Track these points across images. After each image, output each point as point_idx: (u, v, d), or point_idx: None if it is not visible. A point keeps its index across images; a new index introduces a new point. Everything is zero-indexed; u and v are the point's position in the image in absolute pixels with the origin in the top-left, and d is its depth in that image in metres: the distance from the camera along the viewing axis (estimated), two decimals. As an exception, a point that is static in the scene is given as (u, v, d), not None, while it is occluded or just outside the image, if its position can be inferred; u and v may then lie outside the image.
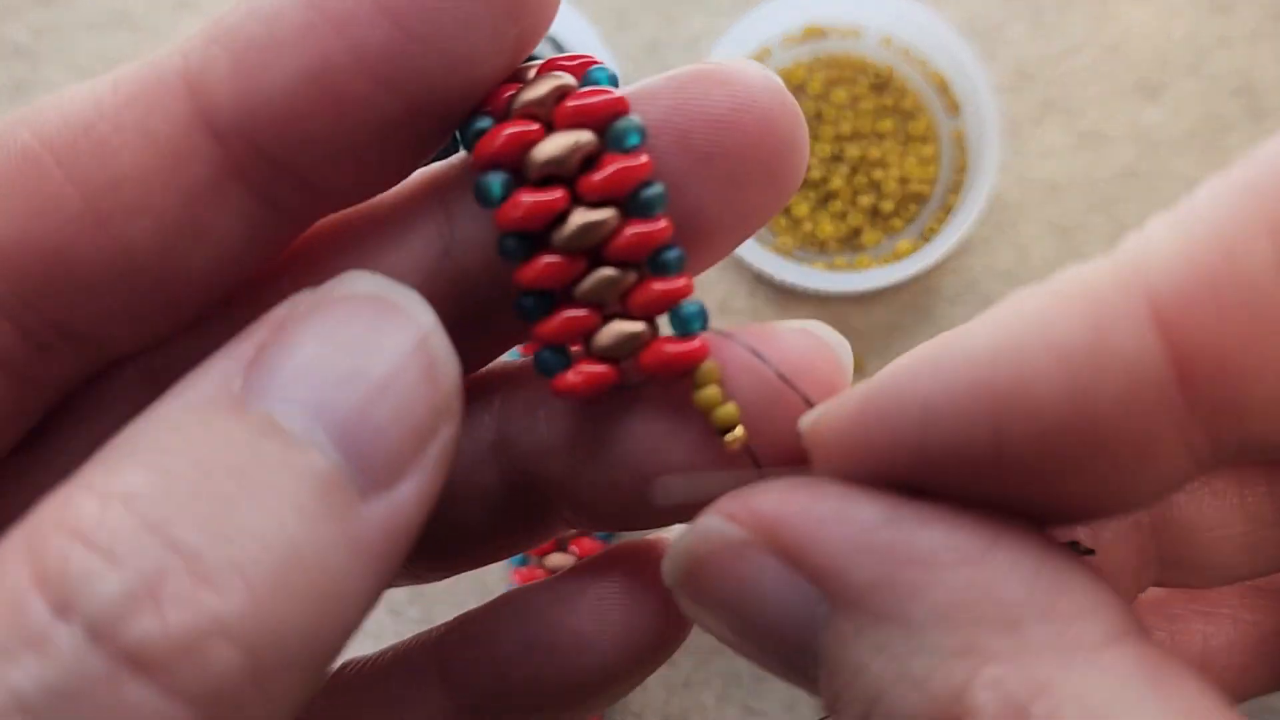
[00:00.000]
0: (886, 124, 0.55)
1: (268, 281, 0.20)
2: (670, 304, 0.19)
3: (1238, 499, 0.23)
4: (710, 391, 0.19)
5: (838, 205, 0.55)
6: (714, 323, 0.19)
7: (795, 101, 0.19)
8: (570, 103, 0.18)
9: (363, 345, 0.16)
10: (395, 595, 0.51)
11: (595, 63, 0.19)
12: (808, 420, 0.18)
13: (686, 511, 0.19)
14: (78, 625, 0.13)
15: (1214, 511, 0.23)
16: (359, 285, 0.17)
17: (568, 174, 0.18)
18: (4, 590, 0.13)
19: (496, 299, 0.20)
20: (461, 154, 0.20)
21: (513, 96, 0.18)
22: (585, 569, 0.23)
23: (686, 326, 0.19)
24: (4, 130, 0.17)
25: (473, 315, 0.20)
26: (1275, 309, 0.14)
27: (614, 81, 0.19)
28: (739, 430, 0.19)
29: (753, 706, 0.50)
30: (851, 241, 0.55)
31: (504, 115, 0.18)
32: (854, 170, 0.55)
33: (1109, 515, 0.16)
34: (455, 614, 0.24)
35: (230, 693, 0.14)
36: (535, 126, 0.18)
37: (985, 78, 0.53)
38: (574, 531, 0.34)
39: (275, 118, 0.17)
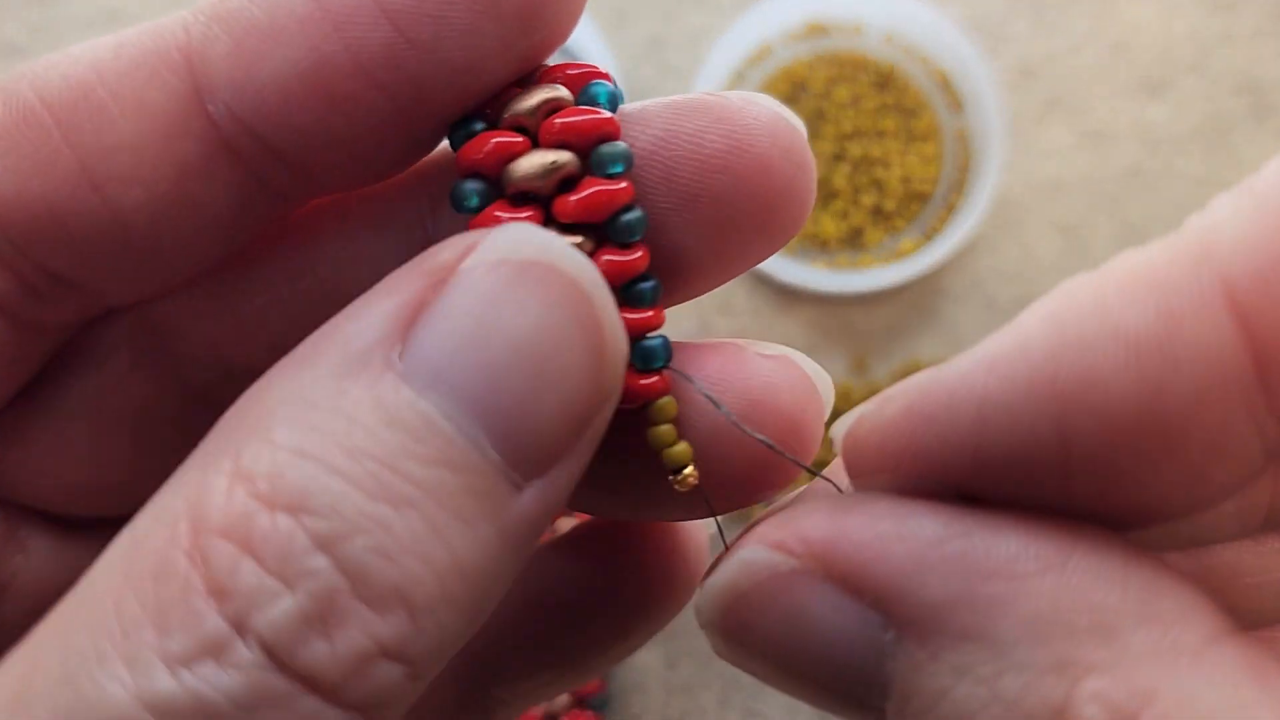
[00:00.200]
0: (889, 122, 0.55)
1: (262, 248, 0.20)
2: (638, 336, 0.18)
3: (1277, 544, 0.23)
4: (664, 430, 0.18)
5: (839, 204, 0.54)
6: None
7: (804, 148, 0.18)
8: (557, 120, 0.17)
9: (530, 323, 0.15)
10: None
11: (600, 76, 0.18)
12: (843, 427, 0.17)
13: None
14: (254, 642, 0.13)
15: (1253, 558, 0.23)
16: (525, 247, 0.15)
17: (545, 193, 0.18)
18: (177, 589, 0.14)
19: None
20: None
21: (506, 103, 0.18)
22: (584, 532, 0.23)
23: (648, 362, 0.18)
24: (8, 85, 0.17)
25: None
26: None
27: (614, 99, 0.18)
28: (690, 470, 0.18)
29: (754, 709, 0.50)
30: (854, 240, 0.54)
31: (496, 120, 0.18)
32: (856, 169, 0.54)
33: (1177, 515, 0.16)
34: None
35: (392, 697, 0.14)
36: (520, 139, 0.17)
37: (989, 74, 0.53)
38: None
39: (269, 105, 0.17)
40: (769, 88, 0.56)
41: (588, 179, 0.18)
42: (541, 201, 0.18)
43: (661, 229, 0.18)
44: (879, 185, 0.54)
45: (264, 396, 0.15)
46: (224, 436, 0.15)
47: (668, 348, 0.18)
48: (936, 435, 0.15)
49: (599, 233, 0.18)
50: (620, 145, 0.18)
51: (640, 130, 0.18)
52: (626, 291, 0.18)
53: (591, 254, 0.18)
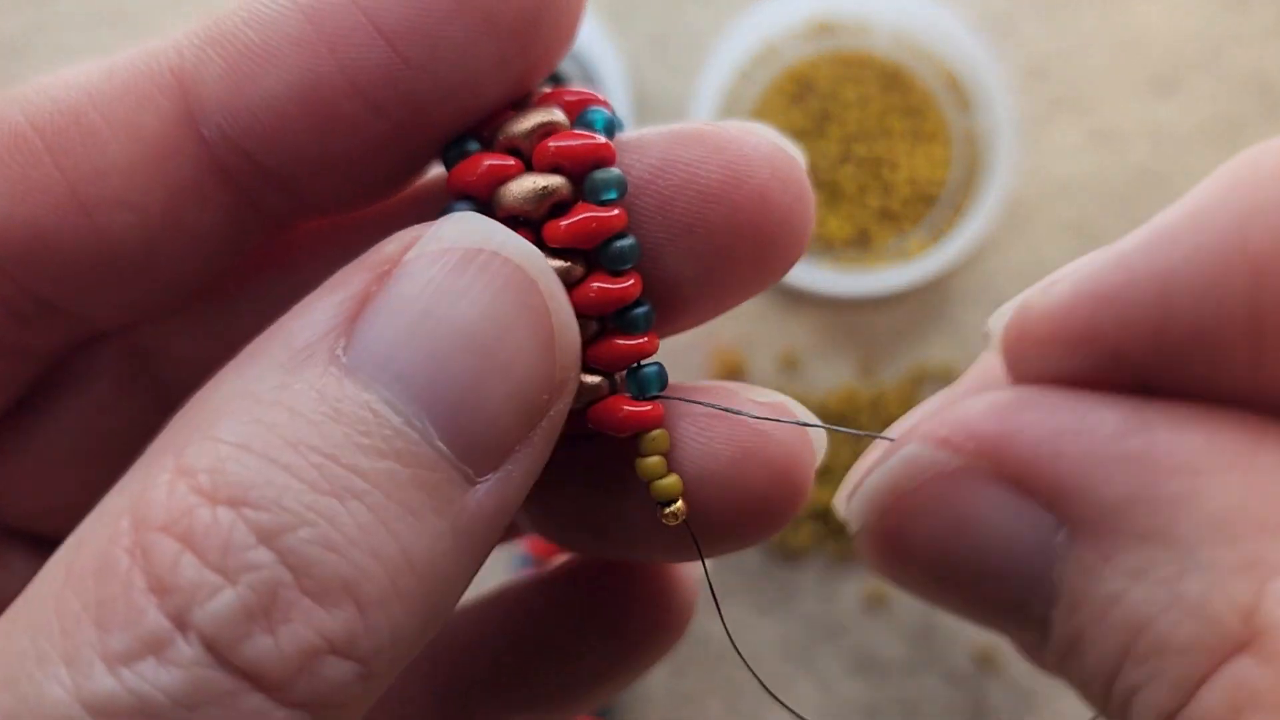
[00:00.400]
0: (896, 122, 0.54)
1: (251, 271, 0.20)
2: (629, 362, 0.18)
3: None
4: (654, 462, 0.18)
5: (846, 205, 0.54)
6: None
7: (804, 179, 0.18)
8: (551, 143, 0.17)
9: (475, 311, 0.15)
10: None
11: (598, 103, 0.18)
12: (1002, 316, 0.16)
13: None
14: (195, 638, 0.13)
15: None
16: (469, 235, 0.15)
17: (536, 218, 0.17)
18: (118, 585, 0.13)
19: None
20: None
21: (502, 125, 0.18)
22: (574, 568, 0.22)
23: (643, 389, 0.18)
24: None
25: None
26: None
27: (611, 126, 0.18)
28: (679, 505, 0.18)
29: (760, 716, 0.50)
30: (861, 242, 0.54)
31: (491, 141, 0.18)
32: (862, 169, 0.54)
33: None
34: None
35: (342, 696, 0.14)
36: (512, 162, 0.17)
37: (997, 74, 0.52)
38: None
39: (262, 127, 0.17)
40: (775, 87, 0.55)
41: (580, 204, 0.17)
42: (533, 226, 0.17)
43: (657, 258, 0.18)
44: (886, 186, 0.54)
45: (210, 396, 0.15)
46: (169, 436, 0.15)
47: (663, 376, 0.18)
48: (1114, 317, 0.14)
49: (590, 259, 0.17)
50: (614, 171, 0.17)
51: (637, 158, 0.18)
52: (619, 318, 0.18)
53: (581, 280, 0.17)
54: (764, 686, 0.18)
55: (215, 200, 0.17)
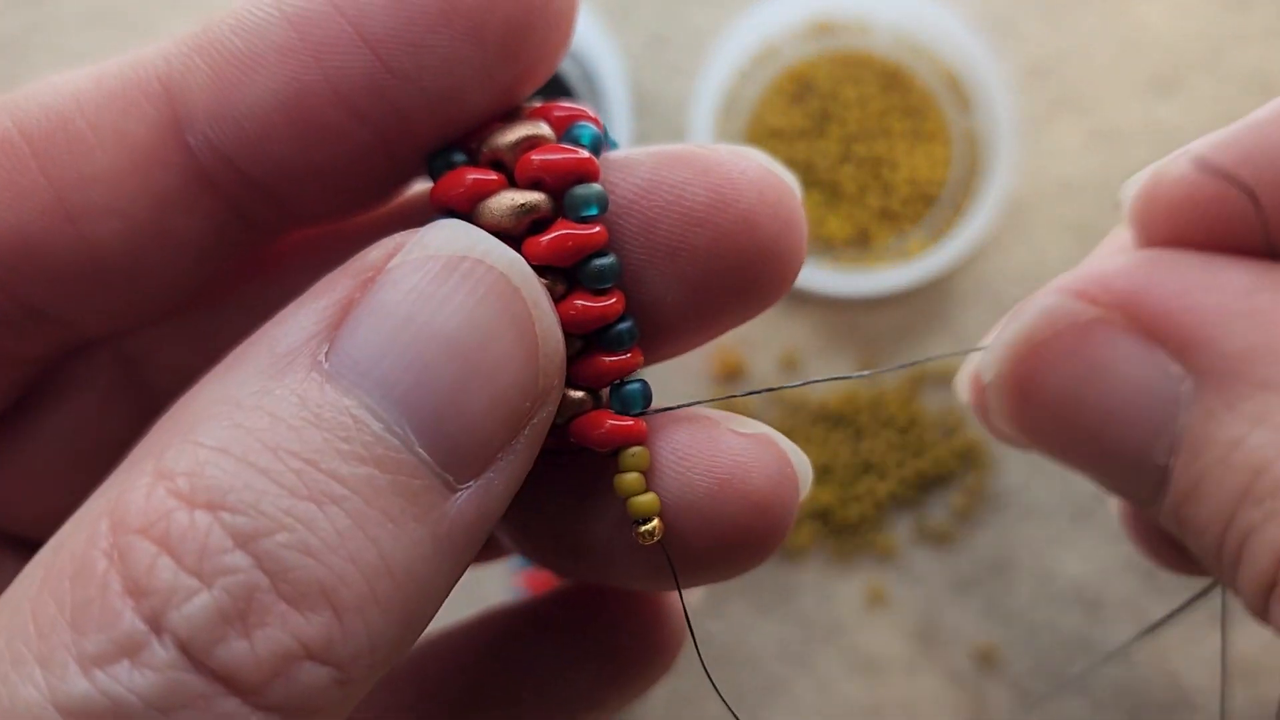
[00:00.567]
0: (896, 122, 0.54)
1: (238, 279, 0.20)
2: (613, 379, 0.18)
3: None
4: (632, 478, 0.18)
5: (846, 205, 0.54)
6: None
7: (795, 204, 0.18)
8: (534, 156, 0.17)
9: (457, 318, 0.15)
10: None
11: (587, 119, 0.18)
12: (1133, 186, 0.16)
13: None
14: (170, 641, 0.13)
15: None
16: (453, 242, 0.15)
17: (516, 234, 0.17)
18: (95, 587, 0.13)
19: None
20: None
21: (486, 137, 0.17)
22: (567, 595, 0.22)
23: (626, 406, 0.18)
24: None
25: None
26: None
27: (597, 142, 0.17)
28: (655, 524, 0.17)
29: (761, 718, 0.50)
30: (860, 241, 0.54)
31: (476, 152, 0.17)
32: (862, 169, 0.54)
33: None
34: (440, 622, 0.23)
35: (319, 702, 0.14)
36: (495, 178, 0.17)
37: (997, 73, 0.52)
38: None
39: (248, 135, 0.17)
40: (775, 87, 0.55)
41: (560, 221, 0.17)
42: (514, 242, 0.17)
43: (640, 280, 0.18)
44: (886, 186, 0.54)
45: (192, 401, 0.15)
46: (151, 440, 0.15)
47: (647, 392, 0.18)
48: (1248, 175, 0.15)
49: (571, 277, 0.17)
50: (594, 187, 0.17)
51: (622, 178, 0.18)
52: (602, 335, 0.18)
53: (562, 297, 0.17)
54: (728, 707, 0.18)
55: (202, 208, 0.17)
